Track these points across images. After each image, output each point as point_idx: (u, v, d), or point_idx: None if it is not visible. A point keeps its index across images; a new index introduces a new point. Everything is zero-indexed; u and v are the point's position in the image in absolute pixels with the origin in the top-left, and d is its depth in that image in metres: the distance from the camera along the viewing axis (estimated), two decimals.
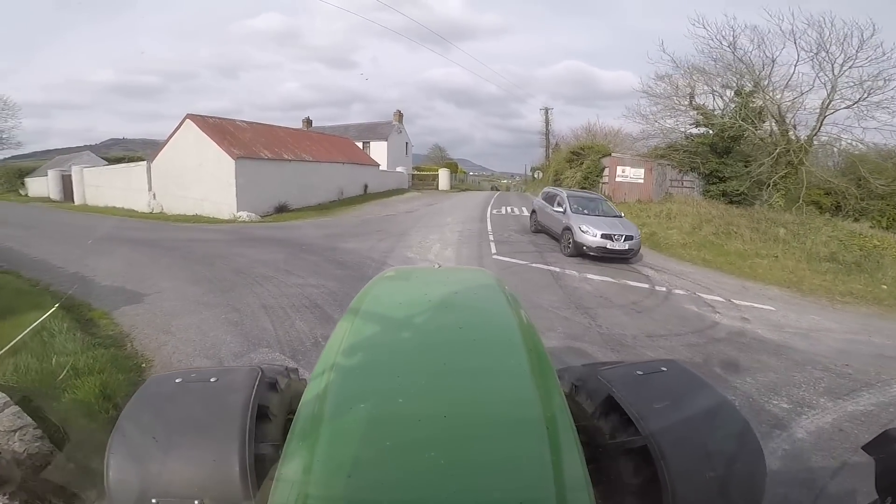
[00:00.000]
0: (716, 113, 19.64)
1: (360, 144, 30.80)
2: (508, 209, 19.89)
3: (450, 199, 25.36)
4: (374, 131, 35.00)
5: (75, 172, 22.76)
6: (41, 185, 27.16)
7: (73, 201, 22.95)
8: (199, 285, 7.36)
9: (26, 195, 28.42)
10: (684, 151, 19.85)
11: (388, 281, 2.29)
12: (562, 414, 1.24)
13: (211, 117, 17.38)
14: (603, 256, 10.05)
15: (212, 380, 1.56)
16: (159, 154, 17.88)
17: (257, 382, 1.54)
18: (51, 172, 25.46)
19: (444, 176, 33.12)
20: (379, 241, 11.70)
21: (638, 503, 1.48)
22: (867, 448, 1.68)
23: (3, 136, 54.94)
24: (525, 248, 11.51)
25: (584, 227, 10.30)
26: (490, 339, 1.61)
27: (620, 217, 11.55)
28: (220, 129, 16.82)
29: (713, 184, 19.33)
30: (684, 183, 20.21)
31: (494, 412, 1.23)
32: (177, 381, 1.58)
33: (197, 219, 16.09)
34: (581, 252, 10.18)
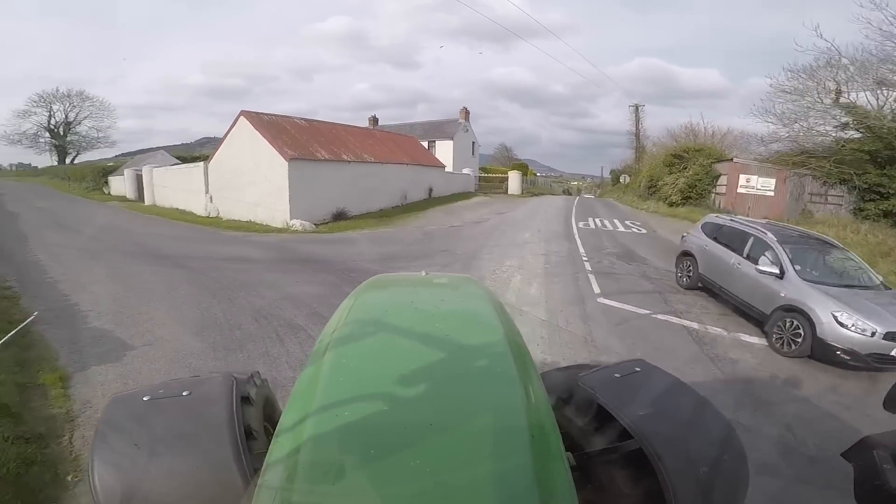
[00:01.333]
0: (872, 113, 15.19)
1: (424, 144, 28.90)
2: (598, 222, 16.87)
3: (523, 206, 22.66)
4: (439, 130, 33.03)
5: (145, 172, 22.84)
6: (120, 184, 28.02)
7: (143, 201, 23.11)
8: (204, 337, 5.49)
9: (109, 193, 29.56)
10: (833, 160, 15.55)
11: (374, 288, 2.25)
12: (547, 421, 1.25)
13: (266, 114, 16.05)
14: (879, 367, 5.39)
15: (184, 393, 1.53)
16: (216, 154, 16.91)
17: (234, 389, 1.55)
18: (127, 172, 26.01)
19: (514, 179, 30.35)
20: (443, 267, 9.39)
21: None
22: (846, 455, 1.86)
23: (101, 136, 60.33)
24: (636, 283, 8.69)
25: (842, 316, 5.57)
26: (476, 346, 1.60)
27: (889, 290, 6.55)
28: (275, 128, 15.42)
29: (871, 201, 14.91)
30: (828, 198, 15.98)
31: (480, 420, 1.22)
32: (145, 398, 1.52)
33: (248, 226, 14.78)
34: (829, 356, 5.57)
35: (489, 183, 32.23)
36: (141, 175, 24.22)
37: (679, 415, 1.66)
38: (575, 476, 1.14)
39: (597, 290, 8.13)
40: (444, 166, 25.80)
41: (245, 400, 1.62)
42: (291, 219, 14.19)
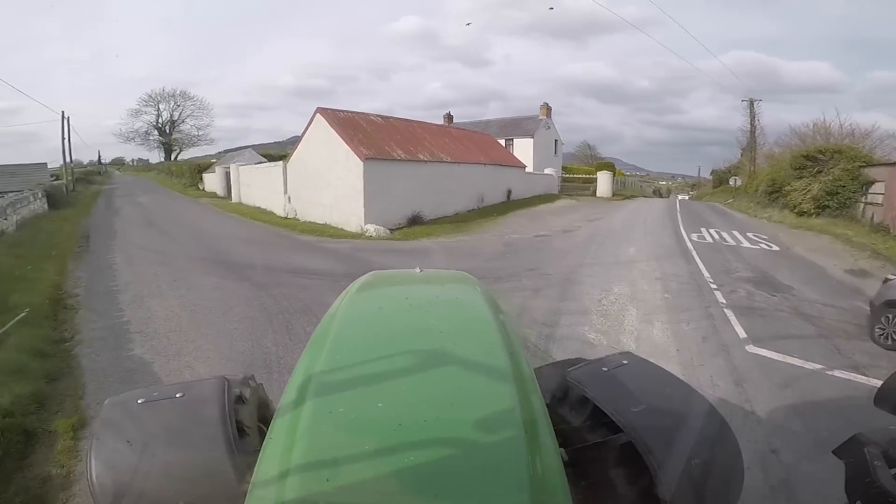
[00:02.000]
0: None
1: (501, 142, 27.23)
2: (714, 234, 14.27)
3: (617, 212, 20.29)
4: (518, 127, 31.16)
5: (232, 170, 23.57)
6: (212, 181, 29.51)
7: (231, 198, 23.89)
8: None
9: (203, 190, 31.34)
10: None
11: (368, 285, 2.25)
12: (541, 418, 1.25)
13: (342, 111, 15.39)
14: None
15: (177, 395, 1.56)
16: (294, 153, 16.62)
17: (227, 390, 1.57)
18: (217, 169, 27.26)
19: (603, 180, 27.73)
20: (533, 293, 7.79)
21: (625, 499, 1.49)
22: (837, 452, 1.87)
23: (201, 134, 65.38)
24: (791, 324, 6.51)
25: None
26: (470, 343, 1.61)
27: None
28: (351, 125, 14.68)
29: None
30: None
31: (474, 416, 1.22)
32: (139, 401, 1.55)
33: (323, 230, 14.17)
34: None
35: (572, 184, 29.83)
36: (229, 173, 25.14)
37: (669, 407, 1.62)
38: (568, 472, 1.15)
39: (741, 332, 6.11)
40: (524, 166, 24.01)
41: (239, 400, 1.64)
42: (366, 223, 13.34)
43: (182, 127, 62.95)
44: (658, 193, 41.53)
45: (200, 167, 33.22)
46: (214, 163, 33.44)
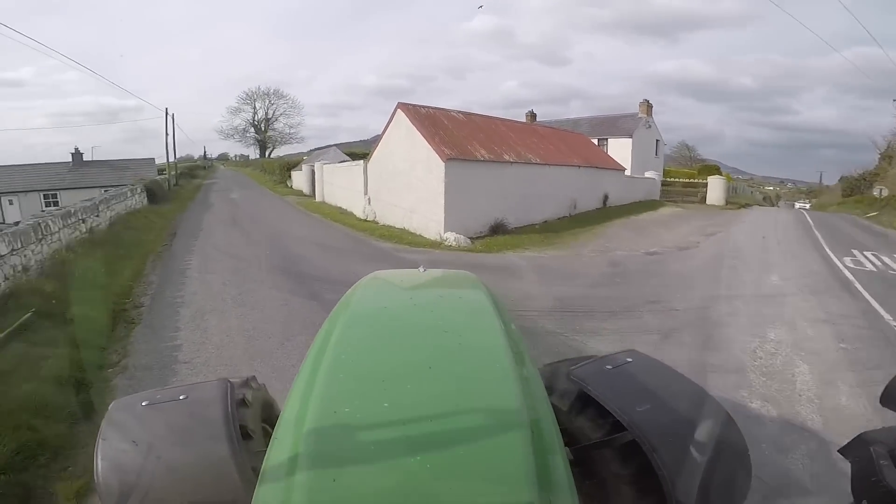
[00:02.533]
0: None
1: (594, 142, 24.75)
2: (874, 259, 11.19)
3: (735, 224, 17.29)
4: (613, 126, 28.39)
5: (317, 169, 23.64)
6: (299, 179, 30.29)
7: (315, 197, 24.09)
8: None
9: (290, 187, 32.37)
10: None
11: (372, 284, 2.27)
12: (546, 417, 1.26)
13: (423, 107, 14.29)
14: None
15: (181, 397, 1.58)
16: (374, 152, 15.89)
17: (229, 392, 1.59)
18: (304, 167, 27.75)
19: (716, 186, 24.22)
20: (662, 338, 5.97)
21: (630, 498, 1.48)
22: (843, 451, 1.85)
23: (292, 132, 68.95)
24: None
25: None
26: (475, 343, 1.60)
27: None
28: (432, 122, 13.53)
29: None
30: None
31: (479, 416, 1.22)
32: (143, 403, 1.58)
33: (401, 236, 13.20)
34: None
35: (673, 188, 26.54)
36: (314, 171, 25.43)
37: (674, 405, 1.60)
38: (574, 471, 1.14)
39: None
40: (623, 169, 21.50)
41: (242, 402, 1.65)
42: (445, 231, 12.14)
43: (275, 125, 66.77)
44: (769, 201, 36.33)
45: (289, 164, 34.37)
46: (302, 160, 34.44)
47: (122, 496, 1.30)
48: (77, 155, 29.50)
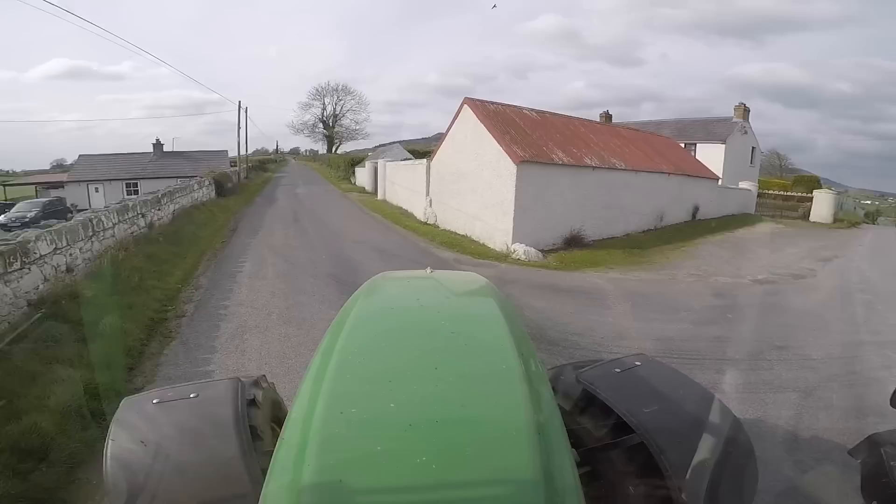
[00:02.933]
0: None
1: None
2: None
3: (852, 246, 14.58)
4: (704, 130, 25.54)
5: (379, 166, 23.13)
6: (362, 176, 30.13)
7: (377, 195, 23.65)
8: None
9: (354, 184, 32.38)
10: None
11: (380, 286, 2.26)
12: (553, 419, 1.25)
13: (492, 103, 13.00)
14: None
15: (192, 396, 1.60)
16: (437, 151, 14.88)
17: (240, 392, 1.62)
18: (367, 164, 27.43)
19: (822, 201, 20.92)
20: (803, 397, 4.35)
21: (637, 500, 1.50)
22: (853, 452, 1.89)
23: (357, 128, 70.17)
24: None
25: None
26: (482, 344, 1.61)
27: None
28: (502, 120, 12.24)
29: None
30: None
31: (486, 417, 1.22)
32: (154, 401, 1.59)
33: (462, 244, 12.09)
34: None
35: (768, 200, 23.39)
36: (377, 168, 25.02)
37: (682, 408, 1.62)
38: (581, 472, 1.20)
39: None
40: (716, 178, 19.01)
41: (251, 402, 1.67)
42: (514, 242, 10.86)
43: (342, 121, 68.21)
44: (870, 217, 31.85)
45: (353, 161, 34.41)
46: (366, 157, 34.43)
47: (130, 496, 1.29)
48: (158, 146, 31.20)
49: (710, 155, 22.82)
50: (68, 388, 4.13)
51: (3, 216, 21.26)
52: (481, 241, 12.01)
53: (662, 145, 18.19)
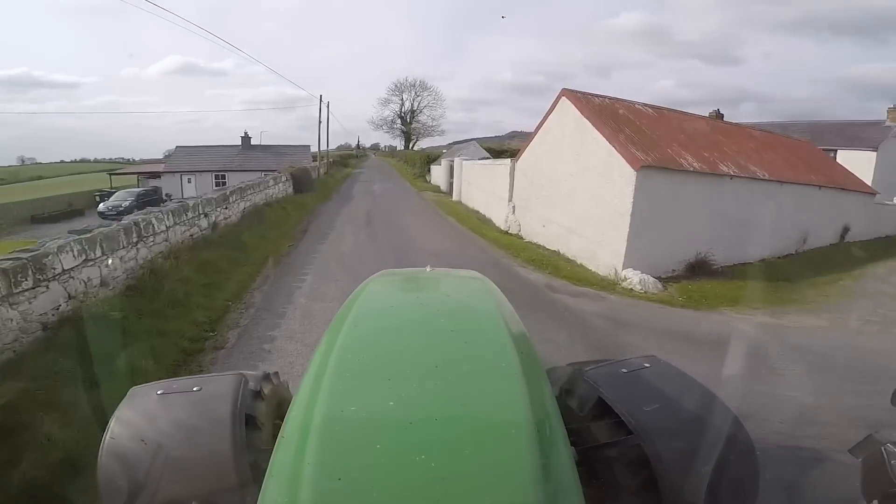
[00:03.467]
0: None
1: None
2: None
3: None
4: (845, 135, 21.20)
5: (456, 165, 21.63)
6: (438, 173, 28.94)
7: (452, 195, 22.27)
8: None
9: (429, 182, 31.32)
10: None
11: (379, 284, 2.26)
12: (552, 416, 1.25)
13: (597, 96, 10.83)
14: None
15: (195, 389, 1.60)
16: (525, 150, 12.97)
17: (242, 388, 1.61)
18: (443, 162, 26.13)
19: None
20: None
21: (634, 500, 1.48)
22: (853, 451, 1.90)
23: (434, 124, 69.64)
24: None
25: None
26: (481, 342, 1.61)
27: None
28: (611, 116, 10.10)
29: None
30: None
31: (485, 415, 1.22)
32: (159, 392, 1.60)
33: (556, 264, 10.13)
34: None
35: None
36: (452, 166, 23.63)
37: (683, 412, 1.58)
38: (580, 471, 1.14)
39: None
40: (873, 193, 15.21)
41: (257, 394, 1.68)
42: (625, 266, 8.75)
43: (419, 117, 68.26)
44: None
45: (429, 157, 33.40)
46: (441, 154, 33.19)
47: (125, 482, 1.30)
48: (246, 139, 32.19)
49: (855, 164, 18.67)
50: (42, 457, 2.99)
51: (102, 205, 22.69)
52: (578, 262, 10.02)
53: (805, 151, 14.81)
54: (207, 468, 1.34)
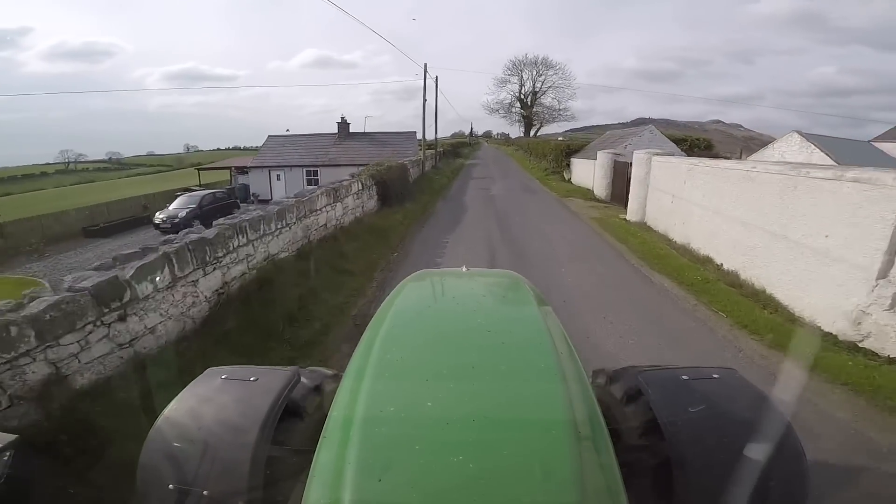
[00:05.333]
0: None
1: None
2: None
3: None
4: None
5: (636, 161, 12.96)
6: (584, 171, 20.46)
7: (624, 209, 13.96)
8: None
9: (569, 181, 22.97)
10: None
11: (416, 284, 2.27)
12: (593, 417, 1.23)
13: None
14: None
15: (251, 378, 1.60)
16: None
17: (290, 385, 1.59)
18: (600, 156, 17.48)
19: None
20: None
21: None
22: None
23: (561, 108, 59.48)
24: None
25: None
26: (519, 342, 1.59)
27: None
28: None
29: None
30: None
31: (524, 416, 1.21)
32: (223, 377, 1.63)
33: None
34: None
35: None
36: (622, 163, 15.14)
37: (735, 430, 1.38)
38: (624, 473, 1.10)
39: None
40: None
41: (315, 390, 1.71)
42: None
43: (542, 99, 58.75)
44: None
45: (570, 148, 24.73)
46: (587, 143, 24.42)
47: (158, 468, 1.33)
48: (343, 125, 26.87)
49: None
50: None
51: (159, 214, 18.28)
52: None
53: None
54: (227, 458, 1.32)
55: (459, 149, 44.01)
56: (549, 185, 21.38)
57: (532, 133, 57.86)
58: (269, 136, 27.54)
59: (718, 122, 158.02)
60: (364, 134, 26.66)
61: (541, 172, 26.20)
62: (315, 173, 24.43)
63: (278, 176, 25.36)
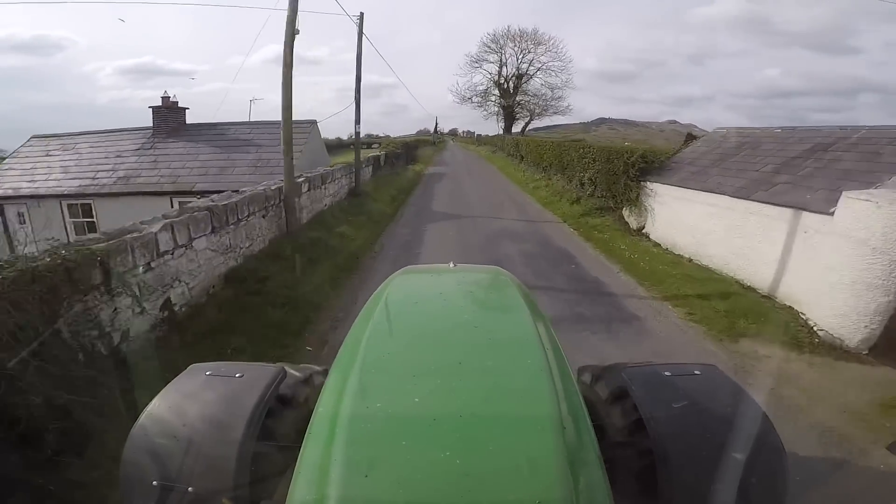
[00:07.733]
0: None
1: None
2: None
3: None
4: None
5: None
6: (693, 218, 8.50)
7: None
8: None
9: (641, 230, 10.85)
10: None
11: (403, 280, 2.25)
12: (578, 413, 1.23)
13: None
14: None
15: (237, 375, 1.58)
16: None
17: (276, 381, 1.56)
18: (851, 203, 5.62)
19: None
20: None
21: (640, 499, 1.44)
22: (892, 448, 1.92)
23: (553, 95, 46.70)
24: None
25: None
26: (506, 338, 1.58)
27: None
28: None
29: None
30: None
31: (510, 411, 1.21)
32: (207, 373, 1.60)
33: None
34: None
35: None
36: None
37: (716, 425, 1.41)
38: (608, 468, 1.10)
39: None
40: None
41: (304, 381, 1.71)
42: None
43: (529, 85, 45.87)
44: None
45: (644, 161, 11.42)
46: (671, 153, 12.25)
47: (141, 465, 1.30)
48: (167, 113, 13.29)
49: None
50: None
51: None
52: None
53: None
54: (213, 455, 1.29)
55: (415, 150, 31.16)
56: (615, 252, 9.03)
57: (521, 129, 45.25)
58: (34, 136, 13.87)
59: (674, 122, 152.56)
60: (208, 127, 13.21)
61: (555, 199, 14.01)
62: (89, 210, 11.29)
63: (21, 216, 11.96)
